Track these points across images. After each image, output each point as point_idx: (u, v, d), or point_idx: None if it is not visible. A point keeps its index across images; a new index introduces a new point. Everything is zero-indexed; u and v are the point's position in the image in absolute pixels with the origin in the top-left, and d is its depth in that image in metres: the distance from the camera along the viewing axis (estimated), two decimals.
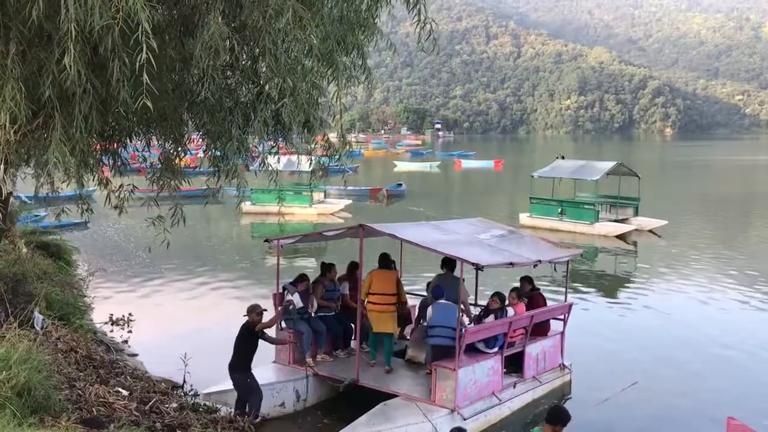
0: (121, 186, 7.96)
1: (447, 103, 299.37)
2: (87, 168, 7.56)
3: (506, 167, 71.62)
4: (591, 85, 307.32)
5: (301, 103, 6.75)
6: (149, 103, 5.05)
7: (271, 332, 9.89)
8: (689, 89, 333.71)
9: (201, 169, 8.66)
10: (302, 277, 10.91)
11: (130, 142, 8.00)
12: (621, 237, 27.14)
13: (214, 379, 10.17)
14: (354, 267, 11.62)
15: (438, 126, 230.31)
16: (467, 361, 9.52)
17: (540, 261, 10.82)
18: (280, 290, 10.80)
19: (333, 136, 8.40)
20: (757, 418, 9.68)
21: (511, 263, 10.04)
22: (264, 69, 6.62)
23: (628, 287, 19.49)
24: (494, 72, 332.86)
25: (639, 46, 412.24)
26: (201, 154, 8.57)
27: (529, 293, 11.45)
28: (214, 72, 6.13)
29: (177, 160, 8.00)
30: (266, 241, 11.56)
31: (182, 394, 10.29)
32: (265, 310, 9.77)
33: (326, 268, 11.43)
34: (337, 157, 8.24)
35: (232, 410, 9.42)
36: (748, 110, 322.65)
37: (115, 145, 7.82)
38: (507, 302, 10.59)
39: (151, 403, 8.92)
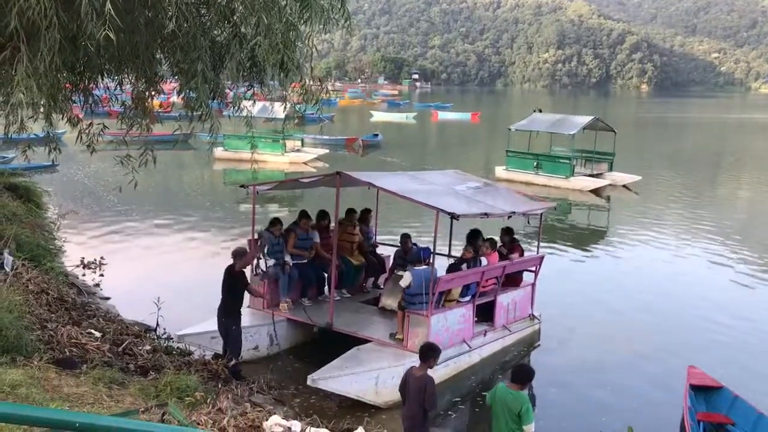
0: (91, 124, 7.75)
1: (425, 53, 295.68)
2: (56, 106, 7.32)
3: (483, 120, 71.54)
4: (569, 38, 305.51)
5: (276, 42, 6.57)
6: (112, 35, 4.85)
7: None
8: (666, 46, 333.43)
9: (174, 113, 8.44)
10: (275, 221, 10.85)
11: (102, 80, 7.76)
12: (595, 192, 27.38)
13: (187, 323, 10.20)
14: (321, 216, 11.60)
15: (415, 76, 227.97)
16: (439, 309, 9.64)
17: (514, 212, 10.95)
18: (256, 236, 10.75)
19: (310, 84, 8.20)
20: (716, 367, 10.02)
21: (486, 214, 10.12)
22: (239, 7, 6.41)
23: (600, 241, 19.80)
24: (473, 22, 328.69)
25: (619, 1, 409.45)
26: (174, 98, 8.35)
27: (509, 244, 11.57)
28: (187, 9, 5.92)
29: (149, 101, 7.79)
30: (242, 186, 11.46)
31: (155, 337, 10.33)
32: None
33: (301, 216, 11.35)
34: (313, 102, 8.05)
35: (206, 353, 9.48)
36: (724, 68, 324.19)
37: (86, 82, 7.58)
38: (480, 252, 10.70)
39: (124, 345, 8.94)
